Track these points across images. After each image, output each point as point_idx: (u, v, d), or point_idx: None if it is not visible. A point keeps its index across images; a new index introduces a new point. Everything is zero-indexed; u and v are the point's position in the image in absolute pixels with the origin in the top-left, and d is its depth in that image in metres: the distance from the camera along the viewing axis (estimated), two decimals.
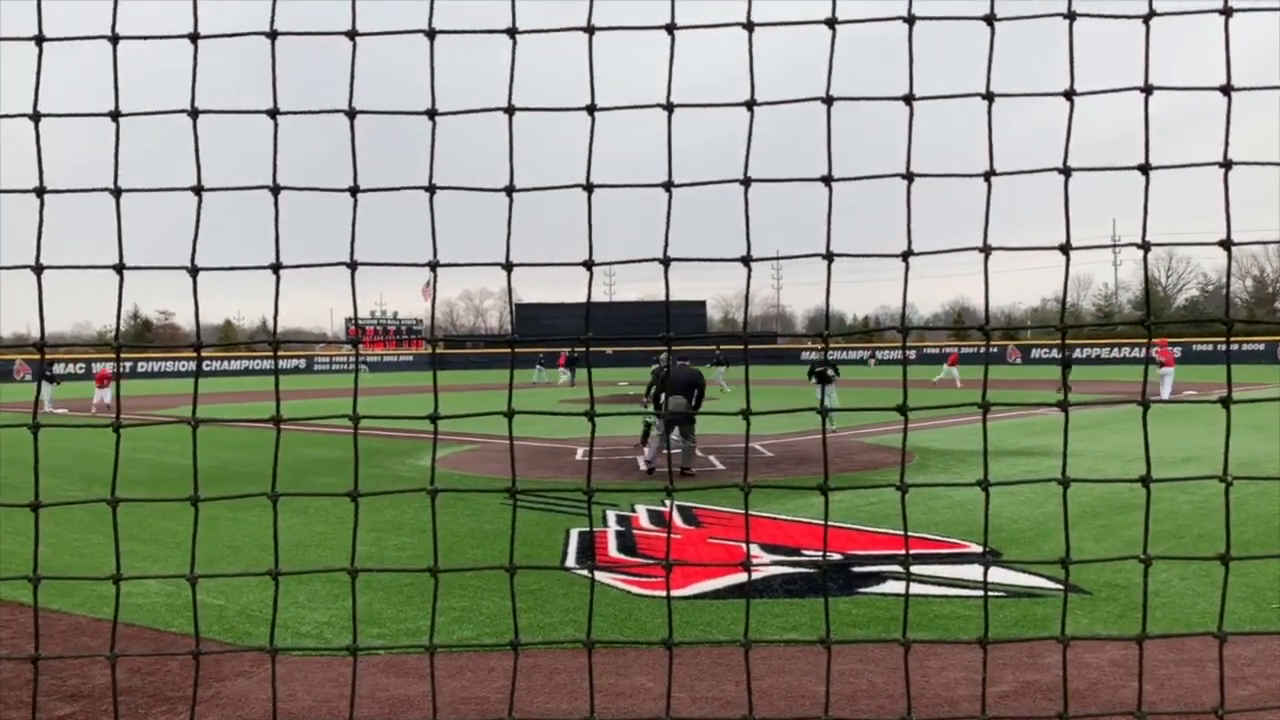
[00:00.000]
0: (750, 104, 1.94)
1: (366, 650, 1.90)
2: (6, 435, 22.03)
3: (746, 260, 2.00)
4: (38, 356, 2.12)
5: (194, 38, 2.04)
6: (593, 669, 2.35)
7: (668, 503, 12.40)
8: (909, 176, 1.95)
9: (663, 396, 16.24)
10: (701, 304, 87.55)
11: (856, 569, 8.89)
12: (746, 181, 1.98)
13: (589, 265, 1.98)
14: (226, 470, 16.37)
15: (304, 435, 22.28)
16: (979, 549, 9.47)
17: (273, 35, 2.02)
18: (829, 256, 1.98)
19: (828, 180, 1.94)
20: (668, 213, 1.98)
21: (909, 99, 1.97)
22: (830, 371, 21.10)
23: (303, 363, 73.02)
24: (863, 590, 8.19)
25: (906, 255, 1.99)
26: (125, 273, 2.12)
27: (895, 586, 8.27)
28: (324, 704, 5.72)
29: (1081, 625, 7.00)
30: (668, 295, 1.92)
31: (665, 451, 15.46)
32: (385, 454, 18.61)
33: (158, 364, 68.85)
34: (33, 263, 2.04)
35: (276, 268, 2.00)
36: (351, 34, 1.97)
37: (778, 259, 2.20)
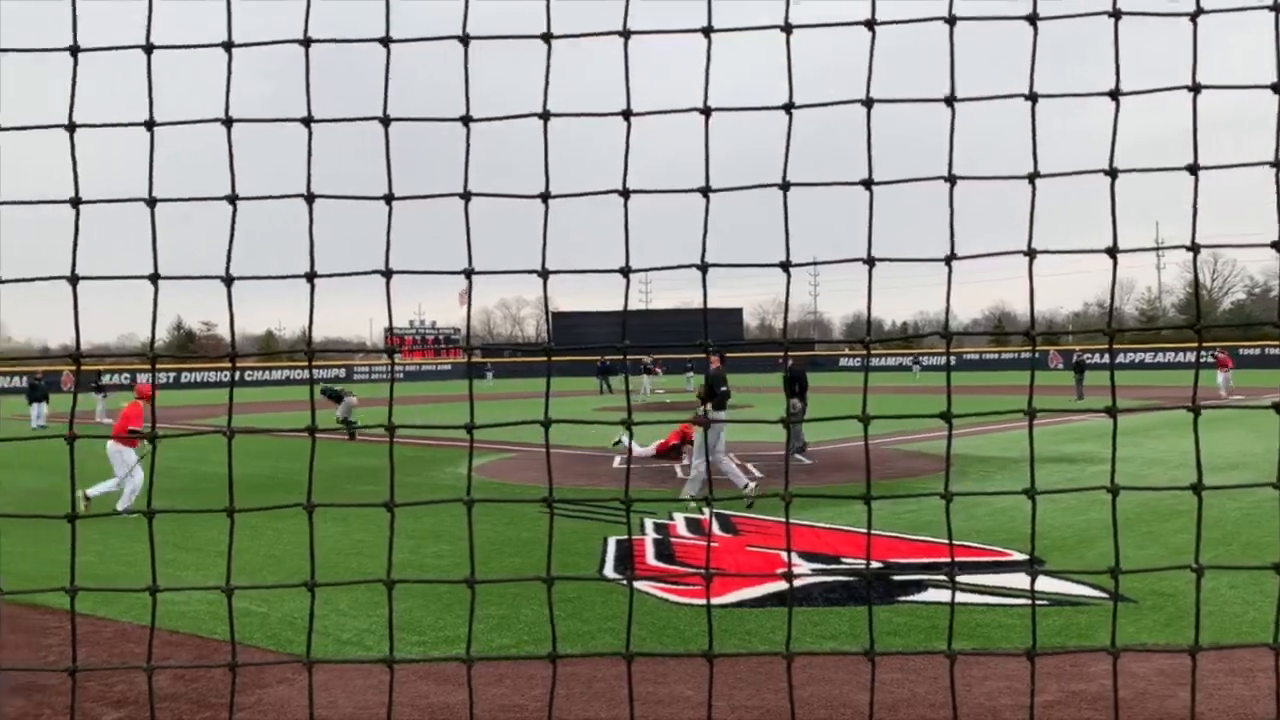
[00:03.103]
0: (789, 107, 1.92)
1: (405, 661, 1.89)
2: (58, 445, 22.30)
3: (786, 266, 1.98)
4: (73, 367, 2.14)
5: (228, 46, 2.05)
6: (632, 679, 2.33)
7: (705, 511, 12.38)
8: (951, 179, 1.92)
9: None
10: (738, 311, 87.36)
11: (897, 577, 8.80)
12: (786, 186, 1.96)
13: (625, 272, 1.97)
14: (268, 479, 16.54)
15: (343, 444, 22.46)
16: (1021, 556, 9.34)
17: (306, 43, 2.03)
18: (870, 261, 1.95)
19: (868, 184, 1.92)
20: (705, 218, 1.96)
21: (950, 100, 1.94)
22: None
23: (342, 371, 73.70)
24: (903, 599, 8.11)
25: (950, 259, 1.96)
26: (166, 283, 2.14)
27: (936, 595, 8.18)
28: (365, 710, 5.75)
29: (1128, 634, 6.87)
30: (705, 302, 1.91)
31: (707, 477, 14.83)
32: (423, 462, 18.72)
33: (201, 374, 69.91)
34: (68, 274, 2.07)
35: (311, 276, 2.01)
36: (385, 40, 1.97)
37: (817, 264, 2.17)
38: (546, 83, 1.91)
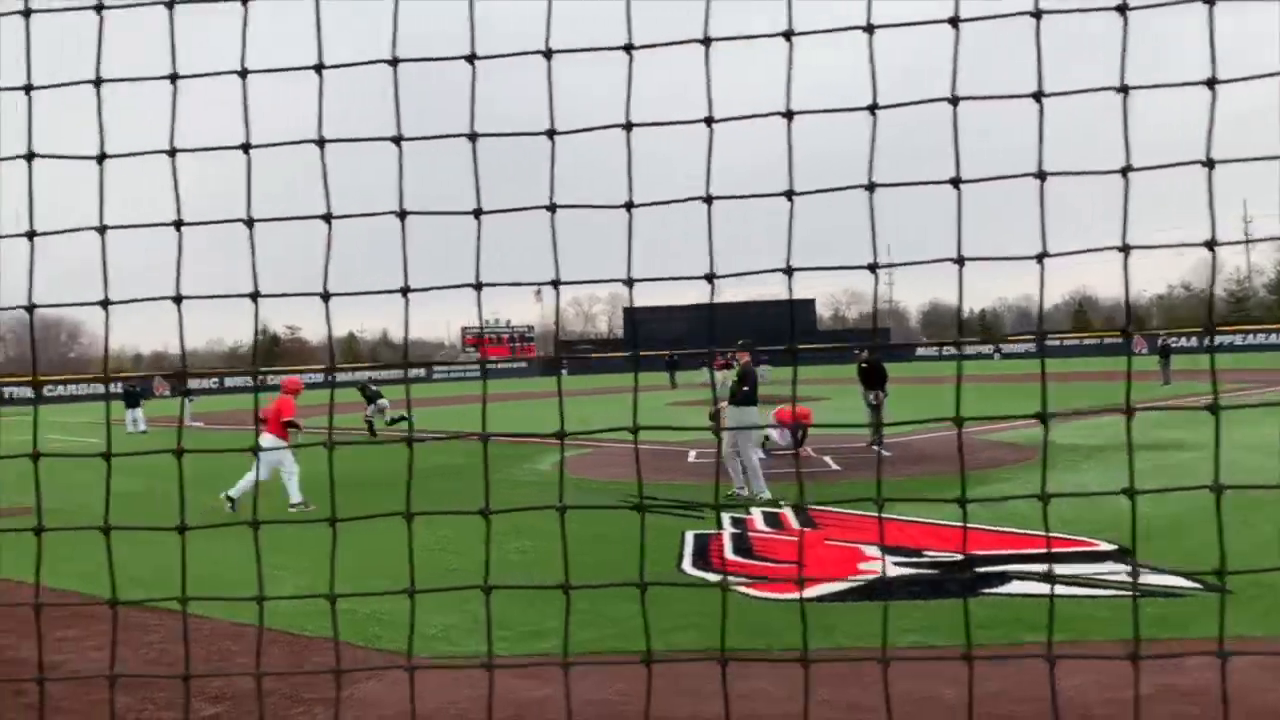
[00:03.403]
0: (873, 107, 1.92)
1: (502, 666, 1.93)
2: (150, 446, 23.06)
3: (874, 268, 1.98)
4: (170, 374, 2.24)
5: (319, 68, 2.12)
6: (724, 680, 2.35)
7: (783, 504, 12.34)
8: (1041, 176, 1.90)
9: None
10: (811, 302, 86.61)
11: (980, 569, 8.68)
12: (871, 186, 1.96)
13: (710, 278, 1.99)
14: (360, 477, 16.90)
15: (430, 443, 22.82)
16: (1109, 546, 9.14)
17: (394, 62, 2.08)
18: (960, 261, 1.94)
19: (956, 183, 1.91)
20: (789, 221, 1.97)
21: (1039, 96, 1.92)
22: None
23: (423, 371, 75.01)
24: (987, 591, 7.99)
25: (1041, 258, 1.94)
26: (257, 293, 2.22)
27: (1021, 587, 8.05)
28: (452, 705, 5.86)
29: (1224, 625, 6.69)
30: (792, 308, 1.92)
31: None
32: (503, 459, 18.94)
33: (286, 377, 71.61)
34: (173, 294, 2.16)
35: (405, 290, 2.07)
36: (471, 58, 2.02)
37: (908, 264, 2.16)
38: (629, 94, 1.94)
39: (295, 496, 13.93)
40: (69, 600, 8.48)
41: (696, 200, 1.98)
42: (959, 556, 9.16)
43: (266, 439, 14.05)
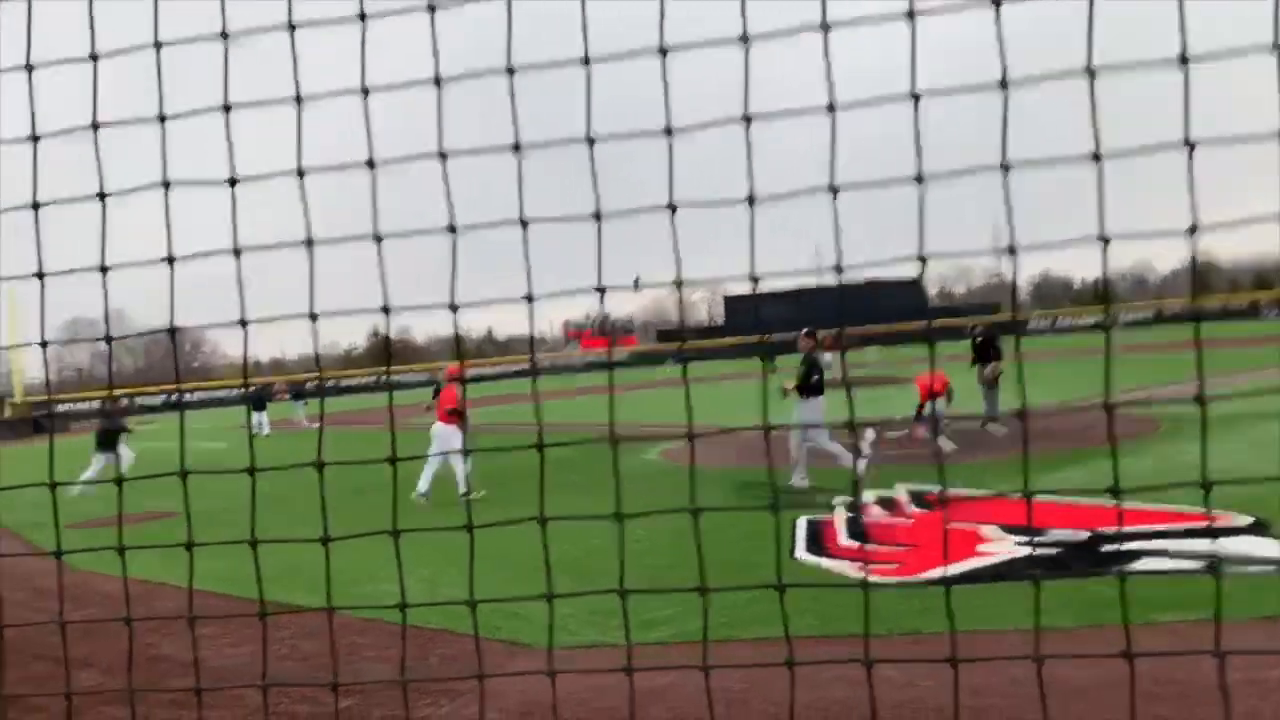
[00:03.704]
0: (914, 95, 1.87)
1: (644, 669, 1.95)
2: (284, 449, 24.07)
3: (1012, 250, 1.92)
4: (287, 378, 2.34)
5: (437, 81, 2.16)
6: (834, 658, 2.34)
7: (898, 487, 12.13)
8: (1190, 144, 1.81)
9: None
10: (916, 281, 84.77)
11: (1105, 547, 8.40)
12: (1006, 167, 1.91)
13: (838, 269, 1.97)
14: (493, 472, 17.24)
15: (526, 433, 23.10)
16: (1244, 520, 8.73)
17: (510, 71, 2.11)
18: (1105, 239, 1.87)
19: (1096, 157, 1.84)
20: (920, 210, 1.93)
21: (1090, 72, 1.84)
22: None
23: (528, 366, 76.05)
24: (1115, 569, 7.73)
25: (1193, 231, 1.86)
26: (363, 293, 2.30)
27: (1149, 564, 7.76)
28: (573, 695, 5.94)
29: None
30: (930, 312, 1.88)
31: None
32: (606, 450, 19.02)
33: (399, 375, 73.70)
34: (307, 311, 2.24)
35: (529, 298, 2.12)
36: (585, 60, 2.03)
37: (1049, 246, 2.09)
38: (746, 87, 1.93)
39: (462, 486, 14.35)
40: (220, 611, 8.87)
41: (821, 190, 1.96)
42: (1084, 535, 8.87)
43: (437, 428, 14.53)
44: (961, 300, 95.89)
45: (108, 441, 18.73)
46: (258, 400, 34.16)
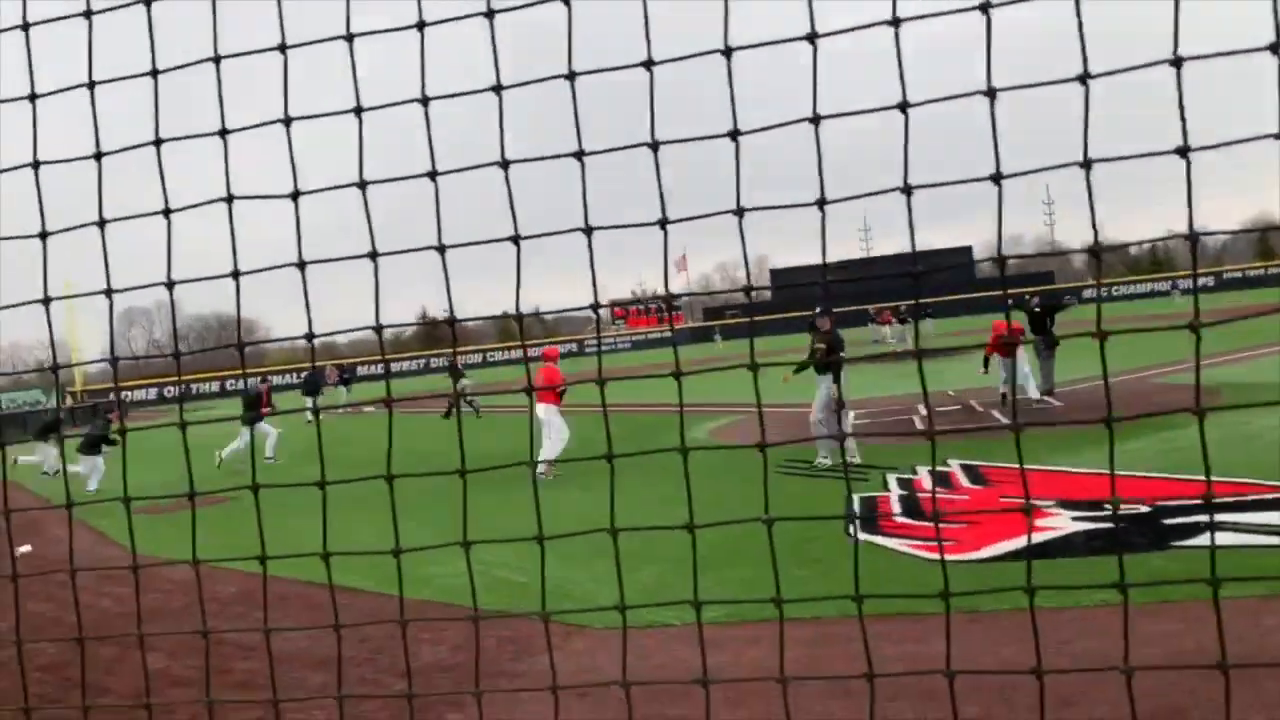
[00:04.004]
0: (990, 93, 1.80)
1: (716, 681, 1.91)
2: (334, 434, 24.32)
3: (1096, 250, 1.86)
4: (337, 361, 2.35)
5: (497, 90, 2.14)
6: (891, 639, 2.30)
7: (952, 463, 11.98)
8: None
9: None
10: (968, 249, 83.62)
11: (1168, 521, 8.23)
12: (1088, 163, 1.84)
13: (914, 273, 1.92)
14: (514, 452, 17.39)
15: (578, 415, 23.19)
16: None
17: (571, 76, 2.09)
18: (1193, 238, 1.80)
19: (1184, 151, 1.76)
20: (998, 205, 1.88)
21: (1177, 63, 1.75)
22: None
23: (575, 346, 76.40)
24: (1177, 544, 7.58)
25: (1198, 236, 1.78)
26: (411, 275, 2.29)
27: (1216, 538, 7.59)
28: (631, 674, 5.95)
29: None
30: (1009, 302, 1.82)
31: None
32: (658, 428, 19.08)
33: (443, 359, 74.37)
34: (373, 323, 2.25)
35: (597, 307, 2.11)
36: (649, 64, 2.00)
37: (1147, 242, 2.02)
38: (814, 84, 1.87)
39: (548, 455, 14.63)
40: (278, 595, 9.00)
41: (896, 191, 1.91)
42: (1145, 508, 8.70)
43: (540, 408, 14.90)
44: (1014, 270, 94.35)
45: (251, 415, 19.54)
46: (310, 385, 34.63)
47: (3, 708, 6.34)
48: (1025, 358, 16.75)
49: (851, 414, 13.51)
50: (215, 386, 66.14)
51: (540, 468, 14.49)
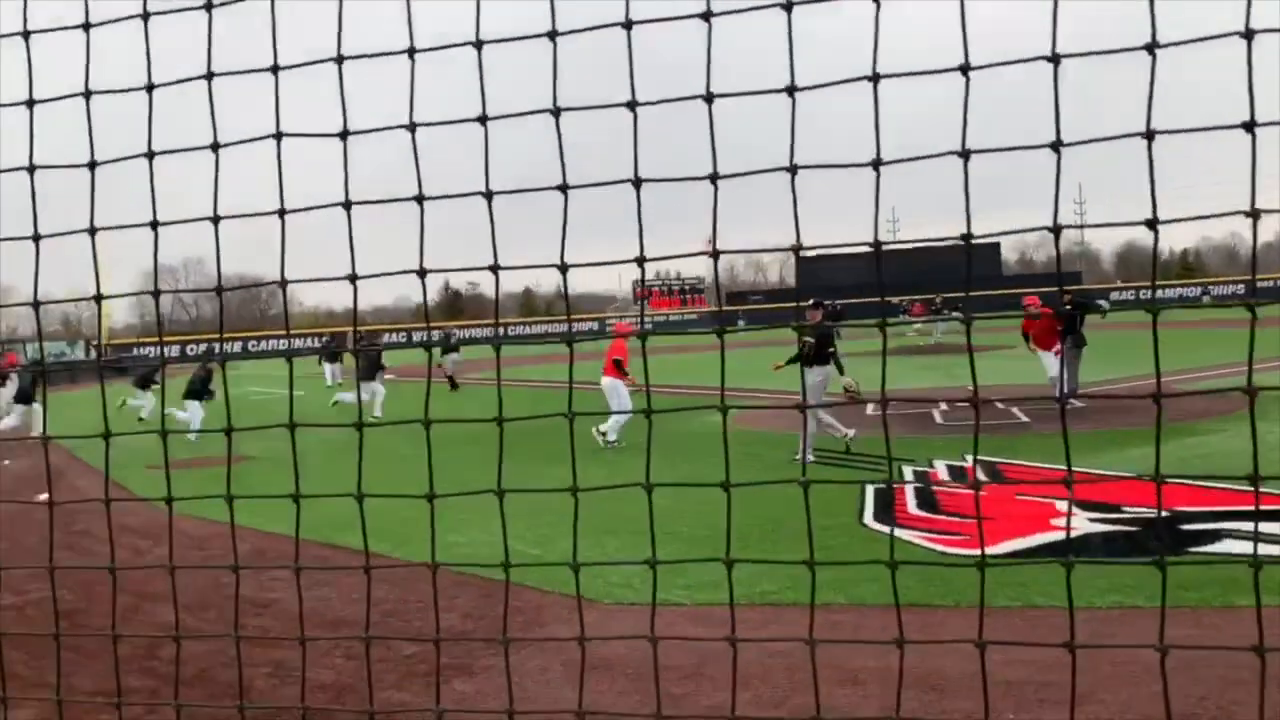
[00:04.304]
0: (1055, 57, 1.77)
1: (749, 639, 1.91)
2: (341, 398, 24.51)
3: (1154, 221, 1.83)
4: (363, 327, 2.34)
5: (553, 36, 2.12)
6: (904, 630, 2.29)
7: (968, 457, 11.93)
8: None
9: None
10: (996, 246, 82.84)
11: (1185, 526, 8.16)
12: (1150, 134, 1.81)
13: (967, 245, 1.89)
14: (533, 428, 17.41)
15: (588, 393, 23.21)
16: None
17: (629, 25, 2.06)
18: (1254, 214, 1.77)
19: (1250, 126, 1.73)
20: (1056, 192, 1.85)
21: (1247, 35, 1.72)
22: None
23: (595, 324, 76.40)
24: (1195, 549, 7.52)
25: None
26: (433, 247, 2.30)
27: (1232, 546, 7.53)
28: (636, 649, 5.98)
29: None
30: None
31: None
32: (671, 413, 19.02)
33: (468, 331, 74.76)
34: (417, 267, 2.23)
35: (640, 292, 2.09)
36: (707, 15, 1.99)
37: (1201, 218, 1.98)
38: (874, 59, 1.85)
39: (611, 426, 14.99)
40: (290, 555, 9.08)
41: (953, 153, 1.88)
42: (1163, 513, 8.63)
43: (605, 380, 15.49)
44: (1042, 268, 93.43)
45: (369, 373, 20.54)
46: (331, 351, 34.81)
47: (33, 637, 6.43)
48: (1053, 360, 16.31)
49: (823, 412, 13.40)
50: (238, 347, 66.59)
51: (610, 435, 15.05)
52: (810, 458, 12.43)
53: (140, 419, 22.42)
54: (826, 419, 13.23)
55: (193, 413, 19.34)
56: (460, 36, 2.12)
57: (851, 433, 13.03)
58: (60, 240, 2.41)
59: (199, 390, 19.54)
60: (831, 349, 13.09)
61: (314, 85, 2.29)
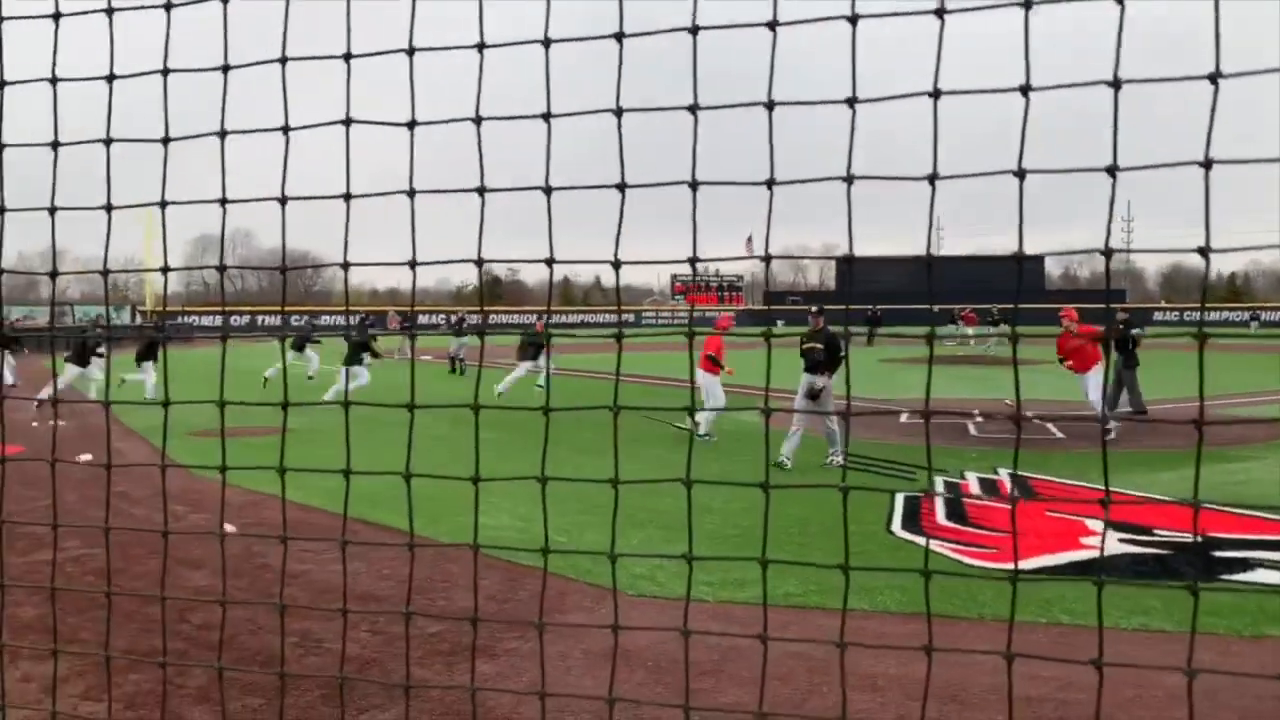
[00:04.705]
0: (1116, 83, 1.77)
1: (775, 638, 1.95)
2: (393, 374, 24.77)
3: (1205, 251, 1.83)
4: (400, 308, 2.39)
5: (619, 38, 2.14)
6: (918, 636, 2.30)
7: (1001, 471, 11.86)
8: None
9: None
10: (1039, 259, 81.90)
11: (1218, 553, 8.07)
12: (1208, 164, 1.82)
13: (1018, 260, 1.91)
14: (574, 418, 17.48)
15: (638, 386, 23.29)
16: None
17: (694, 30, 2.09)
18: None
19: None
20: (1110, 203, 1.86)
21: None
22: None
23: (632, 317, 76.51)
24: (1226, 577, 7.43)
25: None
26: (472, 234, 2.34)
27: (1265, 575, 7.44)
28: (660, 643, 6.02)
29: None
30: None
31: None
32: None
33: (505, 316, 75.11)
34: (475, 257, 2.28)
35: (691, 288, 2.11)
36: (773, 24, 2.01)
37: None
38: (936, 61, 1.87)
39: (704, 419, 15.12)
40: (326, 529, 9.20)
41: (1007, 174, 1.89)
42: (1195, 538, 8.54)
43: (701, 376, 15.35)
44: (1086, 284, 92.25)
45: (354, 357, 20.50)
46: (362, 329, 35.15)
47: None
48: (1094, 381, 15.62)
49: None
50: (277, 320, 67.32)
51: (703, 429, 15.01)
52: (839, 460, 12.39)
53: (309, 378, 24.78)
54: (833, 426, 12.91)
55: (351, 373, 20.07)
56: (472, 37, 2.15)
57: (838, 461, 12.65)
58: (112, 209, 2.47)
59: (358, 350, 20.30)
60: (843, 355, 12.95)
61: (379, 73, 2.34)
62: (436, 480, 2.57)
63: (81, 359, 19.70)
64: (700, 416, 14.97)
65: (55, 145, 2.29)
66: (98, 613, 6.61)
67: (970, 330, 46.27)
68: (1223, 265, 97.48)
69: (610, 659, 2.43)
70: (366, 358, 21.06)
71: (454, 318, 35.98)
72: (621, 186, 2.12)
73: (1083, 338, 14.74)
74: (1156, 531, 8.77)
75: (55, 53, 2.22)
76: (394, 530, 8.70)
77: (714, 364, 15.33)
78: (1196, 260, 1.92)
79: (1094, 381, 15.33)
